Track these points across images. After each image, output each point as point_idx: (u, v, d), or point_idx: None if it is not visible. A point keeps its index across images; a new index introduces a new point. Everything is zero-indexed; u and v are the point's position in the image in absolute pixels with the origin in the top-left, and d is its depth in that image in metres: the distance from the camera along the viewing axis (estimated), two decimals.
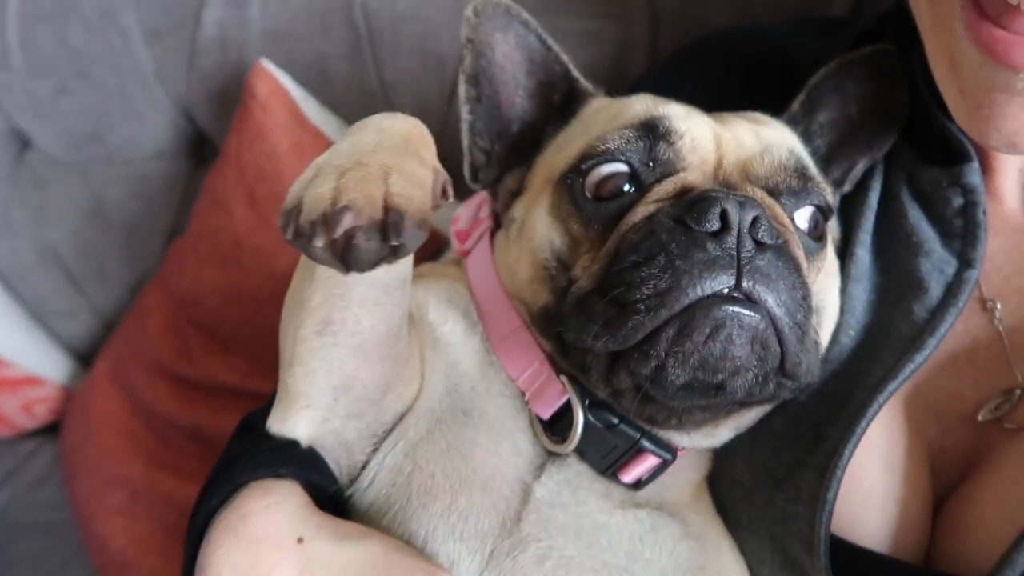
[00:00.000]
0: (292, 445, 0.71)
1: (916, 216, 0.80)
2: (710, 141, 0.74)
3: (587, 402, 0.74)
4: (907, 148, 0.84)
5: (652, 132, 0.72)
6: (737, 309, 0.64)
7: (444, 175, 0.64)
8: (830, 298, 0.77)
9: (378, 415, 0.75)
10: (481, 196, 0.89)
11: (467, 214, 0.90)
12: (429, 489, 0.72)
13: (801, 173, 0.74)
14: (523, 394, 0.76)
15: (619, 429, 0.74)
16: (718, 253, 0.64)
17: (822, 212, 0.75)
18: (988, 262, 0.79)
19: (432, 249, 1.10)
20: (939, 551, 0.75)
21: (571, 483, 0.75)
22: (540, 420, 0.76)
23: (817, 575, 0.71)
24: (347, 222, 0.56)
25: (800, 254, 0.70)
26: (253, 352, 1.24)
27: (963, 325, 0.79)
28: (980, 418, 0.77)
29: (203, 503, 0.68)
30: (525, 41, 0.82)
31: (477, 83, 0.81)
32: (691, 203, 0.66)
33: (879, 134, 0.83)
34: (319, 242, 0.56)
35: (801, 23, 1.04)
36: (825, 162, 0.84)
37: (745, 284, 0.64)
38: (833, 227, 0.83)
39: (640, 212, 0.69)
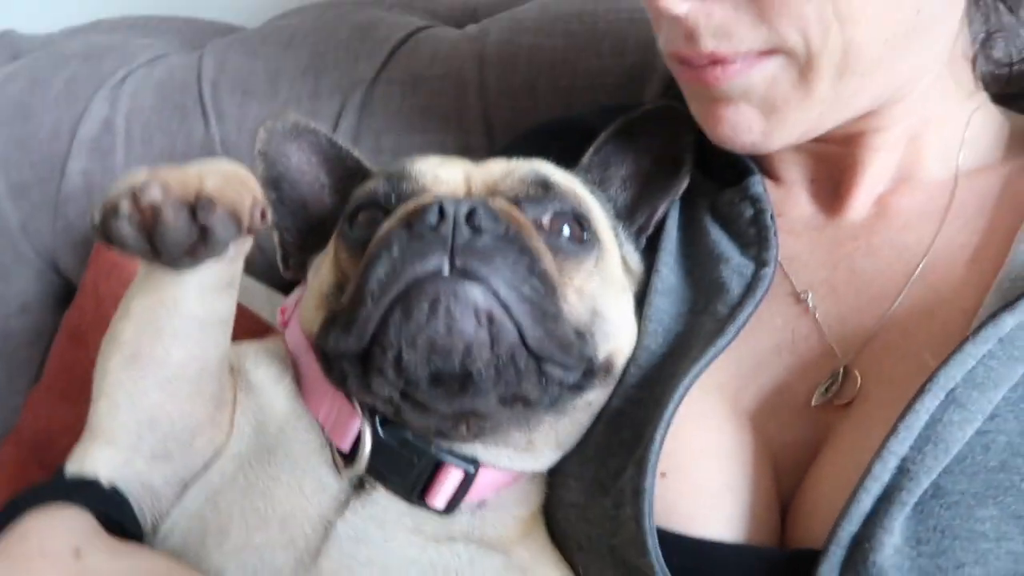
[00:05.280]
0: (92, 485, 0.68)
1: (717, 234, 0.87)
2: (459, 175, 0.80)
3: (378, 420, 0.73)
4: (707, 180, 0.92)
5: (394, 175, 0.79)
6: (451, 282, 0.66)
7: (263, 201, 0.67)
8: (610, 303, 0.79)
9: (187, 460, 0.72)
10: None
11: (291, 301, 0.92)
12: (224, 528, 0.70)
13: (542, 183, 0.79)
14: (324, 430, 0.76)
15: (412, 444, 0.73)
16: (433, 240, 0.67)
17: (575, 219, 0.79)
18: (795, 261, 0.85)
19: None
20: (792, 536, 0.72)
21: (377, 518, 0.72)
22: (341, 453, 0.75)
23: None
24: (155, 194, 0.57)
25: (538, 245, 0.72)
26: None
27: (781, 319, 0.82)
28: (813, 403, 0.77)
29: None
30: (317, 147, 0.91)
31: (277, 187, 0.89)
32: (417, 209, 0.71)
33: (673, 178, 0.90)
34: (124, 213, 0.56)
35: (611, 109, 1.15)
36: (630, 212, 0.91)
37: (459, 261, 0.66)
38: (634, 263, 0.88)
39: (384, 228, 0.73)
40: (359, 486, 0.74)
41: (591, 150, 0.91)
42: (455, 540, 0.73)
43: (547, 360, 0.69)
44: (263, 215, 0.66)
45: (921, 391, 0.66)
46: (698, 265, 0.86)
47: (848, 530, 0.64)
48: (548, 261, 0.72)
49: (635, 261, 0.88)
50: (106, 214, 0.58)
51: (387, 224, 0.73)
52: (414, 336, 0.65)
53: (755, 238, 0.83)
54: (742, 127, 0.79)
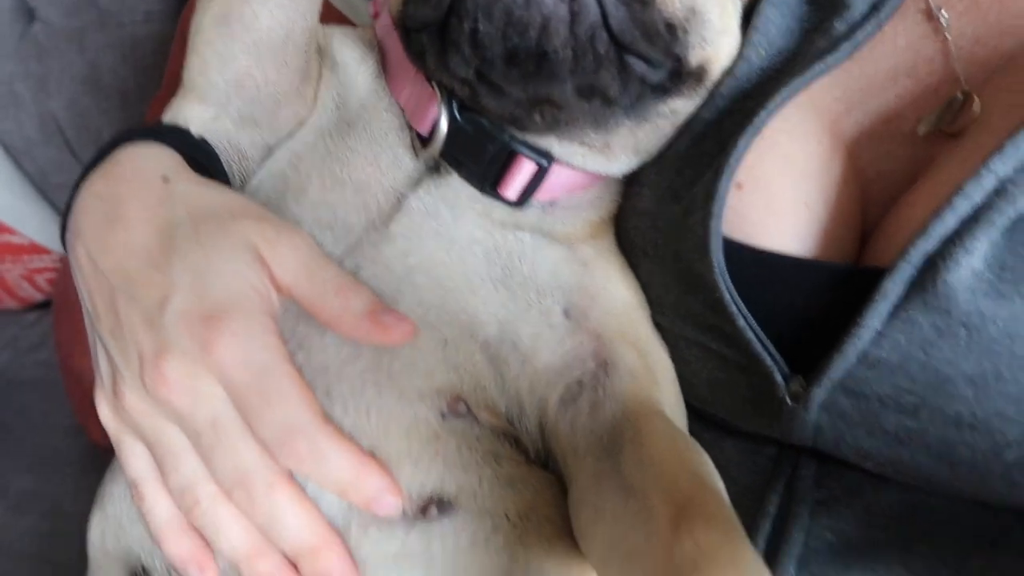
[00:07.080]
0: (183, 132, 0.72)
1: None
2: None
3: (455, 106, 0.72)
4: None
5: None
6: None
7: None
8: (712, 5, 0.71)
9: (273, 128, 0.75)
10: None
11: None
12: (303, 186, 0.74)
13: None
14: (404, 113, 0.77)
15: (487, 131, 0.72)
16: None
17: None
18: None
19: None
20: (866, 258, 0.70)
21: (449, 199, 0.74)
22: (420, 137, 0.75)
23: (711, 280, 0.66)
24: None
25: None
26: None
27: (905, 40, 0.74)
28: (920, 131, 0.71)
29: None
30: None
31: None
32: None
33: None
34: None
35: None
36: None
37: None
38: None
39: None
40: (434, 169, 0.76)
41: None
42: (521, 229, 0.74)
43: (629, 50, 0.65)
44: None
45: None
46: None
47: (923, 247, 0.59)
48: None
49: None
50: None
51: None
52: (490, 6, 0.62)
53: None
54: None
